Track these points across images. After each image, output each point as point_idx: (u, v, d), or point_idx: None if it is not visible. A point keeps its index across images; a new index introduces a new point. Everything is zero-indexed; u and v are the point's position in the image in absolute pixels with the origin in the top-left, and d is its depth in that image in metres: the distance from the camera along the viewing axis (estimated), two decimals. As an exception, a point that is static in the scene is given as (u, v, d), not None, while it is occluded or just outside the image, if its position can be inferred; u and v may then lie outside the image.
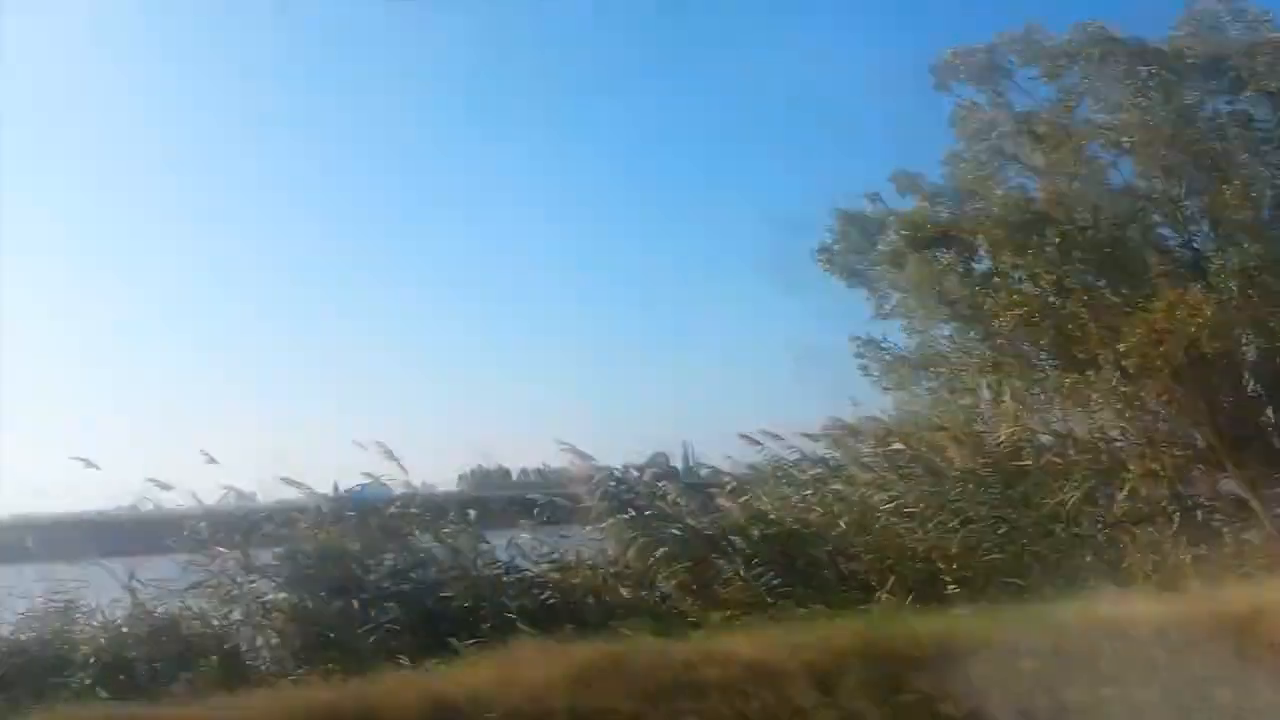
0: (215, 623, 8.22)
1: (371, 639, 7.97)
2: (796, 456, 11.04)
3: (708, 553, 9.13)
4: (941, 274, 11.98)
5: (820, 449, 11.42)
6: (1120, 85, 12.16)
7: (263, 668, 7.94)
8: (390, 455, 9.38)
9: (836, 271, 13.48)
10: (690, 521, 9.32)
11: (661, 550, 9.05)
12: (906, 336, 13.07)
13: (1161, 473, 10.59)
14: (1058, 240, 11.46)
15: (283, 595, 8.24)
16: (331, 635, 7.90)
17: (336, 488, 10.78)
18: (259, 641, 8.21)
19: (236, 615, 8.28)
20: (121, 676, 7.54)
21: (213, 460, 9.20)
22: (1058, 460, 10.40)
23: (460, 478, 15.21)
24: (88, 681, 7.44)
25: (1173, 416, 11.27)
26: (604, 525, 9.75)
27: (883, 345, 13.30)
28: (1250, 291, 11.39)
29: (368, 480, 10.23)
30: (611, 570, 9.23)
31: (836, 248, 13.42)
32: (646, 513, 9.45)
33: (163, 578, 8.51)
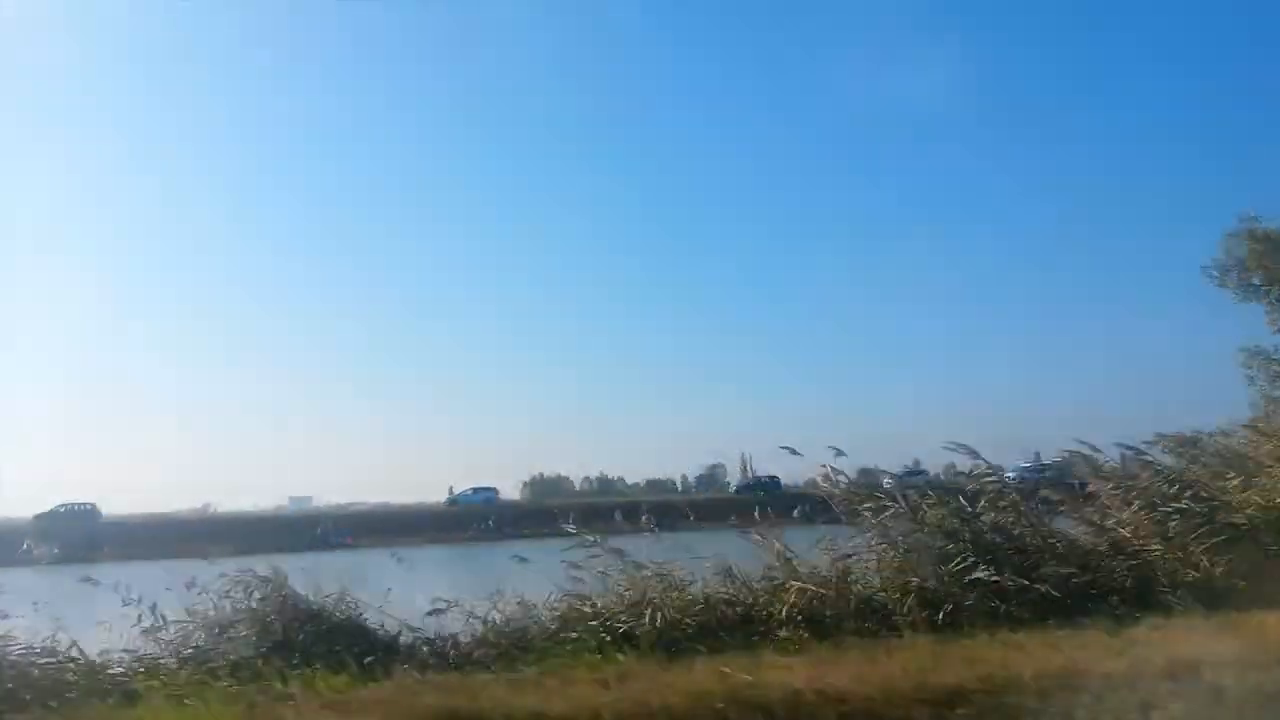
0: (861, 585, 9.28)
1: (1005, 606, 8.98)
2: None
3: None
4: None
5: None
6: None
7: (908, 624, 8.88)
8: (976, 454, 10.34)
9: (1229, 285, 14.28)
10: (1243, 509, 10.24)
11: (1214, 539, 9.98)
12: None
13: None
14: None
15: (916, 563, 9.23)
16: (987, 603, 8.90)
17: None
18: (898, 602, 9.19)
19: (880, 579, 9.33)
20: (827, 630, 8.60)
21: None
22: None
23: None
24: (804, 634, 8.50)
25: None
26: (1122, 514, 10.76)
27: (1274, 356, 14.09)
28: None
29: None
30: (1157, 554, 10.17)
31: (1232, 263, 14.22)
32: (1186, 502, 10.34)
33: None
